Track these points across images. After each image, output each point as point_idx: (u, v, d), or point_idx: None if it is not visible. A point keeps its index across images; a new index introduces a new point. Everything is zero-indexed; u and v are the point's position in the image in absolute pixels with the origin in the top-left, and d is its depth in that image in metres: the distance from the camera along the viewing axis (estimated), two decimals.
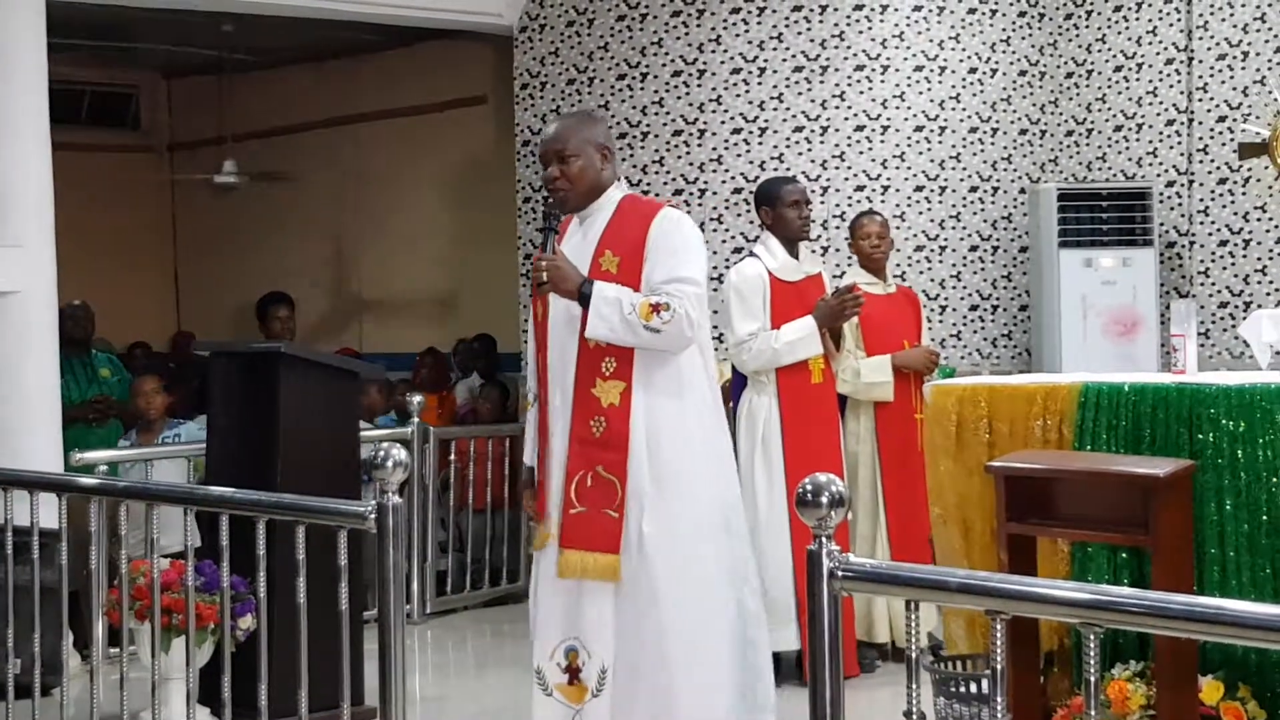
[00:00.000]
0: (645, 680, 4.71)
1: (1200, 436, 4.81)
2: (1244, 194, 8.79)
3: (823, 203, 8.93)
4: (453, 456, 8.82)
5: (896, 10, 9.06)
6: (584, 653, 4.72)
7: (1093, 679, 2.76)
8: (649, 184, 9.05)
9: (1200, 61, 8.95)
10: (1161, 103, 9.09)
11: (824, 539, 3.10)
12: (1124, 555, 4.94)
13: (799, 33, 9.05)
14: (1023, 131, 9.34)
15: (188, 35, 12.49)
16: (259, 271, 13.00)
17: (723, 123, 9.11)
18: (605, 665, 4.71)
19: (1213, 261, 8.93)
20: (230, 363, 6.30)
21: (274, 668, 4.59)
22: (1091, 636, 2.75)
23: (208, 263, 14.62)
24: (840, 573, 3.07)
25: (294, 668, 4.31)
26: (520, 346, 8.54)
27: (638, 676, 4.72)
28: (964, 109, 9.18)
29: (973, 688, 5.01)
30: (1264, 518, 4.69)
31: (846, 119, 9.05)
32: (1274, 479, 4.66)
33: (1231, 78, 8.84)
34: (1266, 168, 8.55)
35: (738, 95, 9.09)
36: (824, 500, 3.09)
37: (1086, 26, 9.39)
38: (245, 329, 11.63)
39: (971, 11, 9.19)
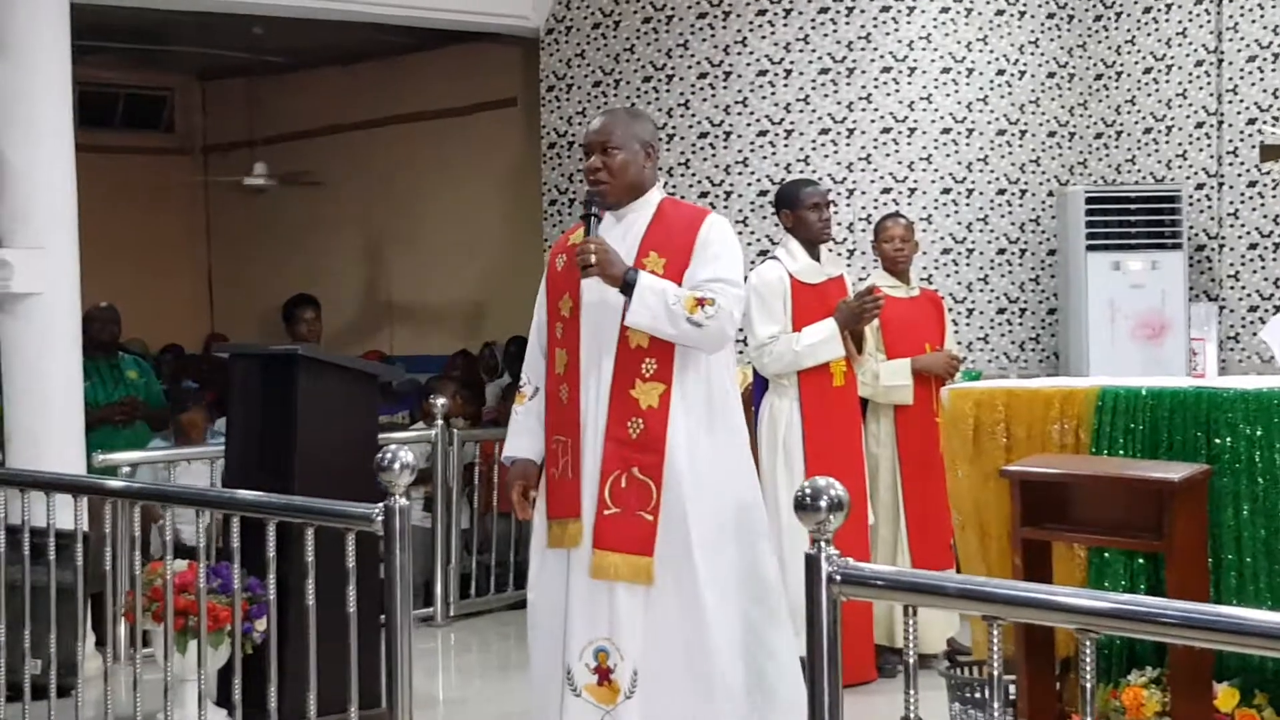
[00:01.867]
0: (681, 682, 4.70)
1: (1218, 441, 4.77)
2: (1274, 196, 8.72)
3: (849, 205, 8.91)
4: (477, 459, 8.82)
5: (923, 12, 9.03)
6: (615, 654, 4.70)
7: (1089, 685, 2.74)
8: (675, 186, 9.05)
9: (1230, 63, 8.89)
10: (1191, 105, 9.03)
11: (823, 543, 3.08)
12: (1141, 561, 4.90)
13: (825, 35, 9.03)
14: (1051, 134, 9.29)
15: (220, 38, 12.55)
16: (291, 274, 13.05)
17: (749, 125, 9.10)
18: (637, 667, 4.69)
19: (1242, 265, 8.86)
20: (249, 365, 6.32)
21: (288, 670, 4.61)
22: (1088, 642, 2.73)
23: (241, 265, 14.69)
24: (839, 577, 3.05)
25: (305, 670, 4.31)
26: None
27: (674, 679, 4.70)
28: (992, 111, 9.14)
29: (989, 693, 4.97)
30: None
31: (873, 121, 9.03)
32: None
33: (1262, 80, 8.77)
34: None
35: (764, 97, 9.08)
36: (822, 504, 3.07)
37: (1115, 28, 9.33)
38: (277, 331, 11.67)
39: (999, 13, 9.15)
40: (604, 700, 4.74)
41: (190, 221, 15.19)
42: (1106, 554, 4.97)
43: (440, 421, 8.39)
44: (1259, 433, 4.67)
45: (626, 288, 4.65)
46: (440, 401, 8.46)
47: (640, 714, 4.72)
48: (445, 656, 7.97)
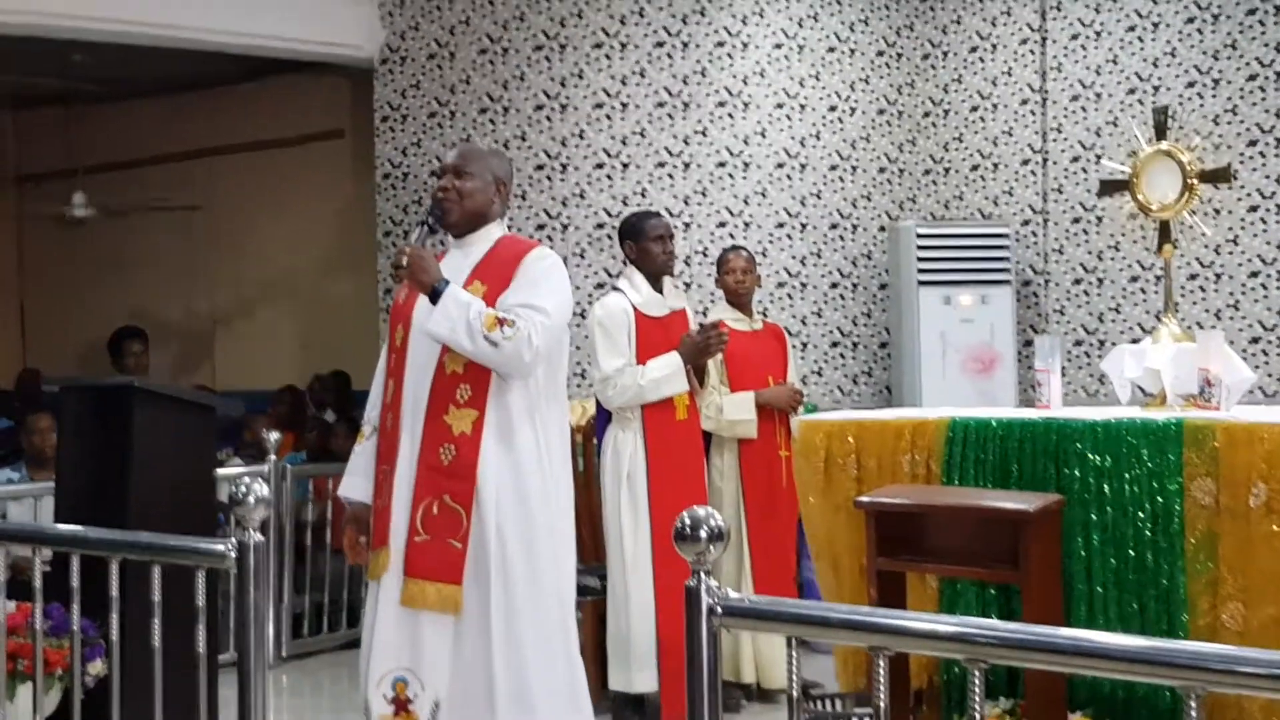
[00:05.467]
0: (473, 715, 4.61)
1: (1067, 471, 4.83)
2: (1098, 233, 8.93)
3: (685, 239, 8.93)
4: (310, 494, 8.64)
5: (758, 48, 9.10)
6: (415, 684, 4.61)
7: (978, 714, 2.72)
8: (511, 219, 8.97)
9: (1055, 102, 9.09)
10: (1017, 143, 9.21)
11: (703, 574, 3.04)
12: (992, 591, 4.95)
13: (661, 69, 9.05)
14: (881, 170, 9.41)
15: (35, 65, 12.19)
16: (111, 306, 12.72)
17: (585, 158, 9.08)
18: (439, 698, 4.60)
19: (1068, 300, 9.05)
20: (82, 398, 6.09)
21: (127, 714, 4.43)
22: (976, 672, 2.71)
23: (57, 298, 14.27)
24: (720, 609, 3.01)
25: (148, 713, 4.15)
26: None
27: (467, 711, 4.61)
28: (824, 147, 9.23)
29: None
30: (1130, 553, 4.71)
31: (709, 155, 9.07)
32: (1140, 514, 4.69)
33: (1085, 119, 8.98)
34: (1121, 207, 8.68)
35: (600, 130, 9.06)
36: (703, 534, 3.03)
37: (943, 67, 9.50)
38: (95, 365, 11.36)
39: (831, 50, 9.25)
40: None
41: (2, 253, 14.73)
42: (958, 584, 5.01)
43: (273, 457, 8.21)
44: (1108, 463, 4.75)
45: (434, 295, 4.61)
46: (273, 436, 8.27)
47: None
48: (278, 698, 7.76)
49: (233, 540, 3.87)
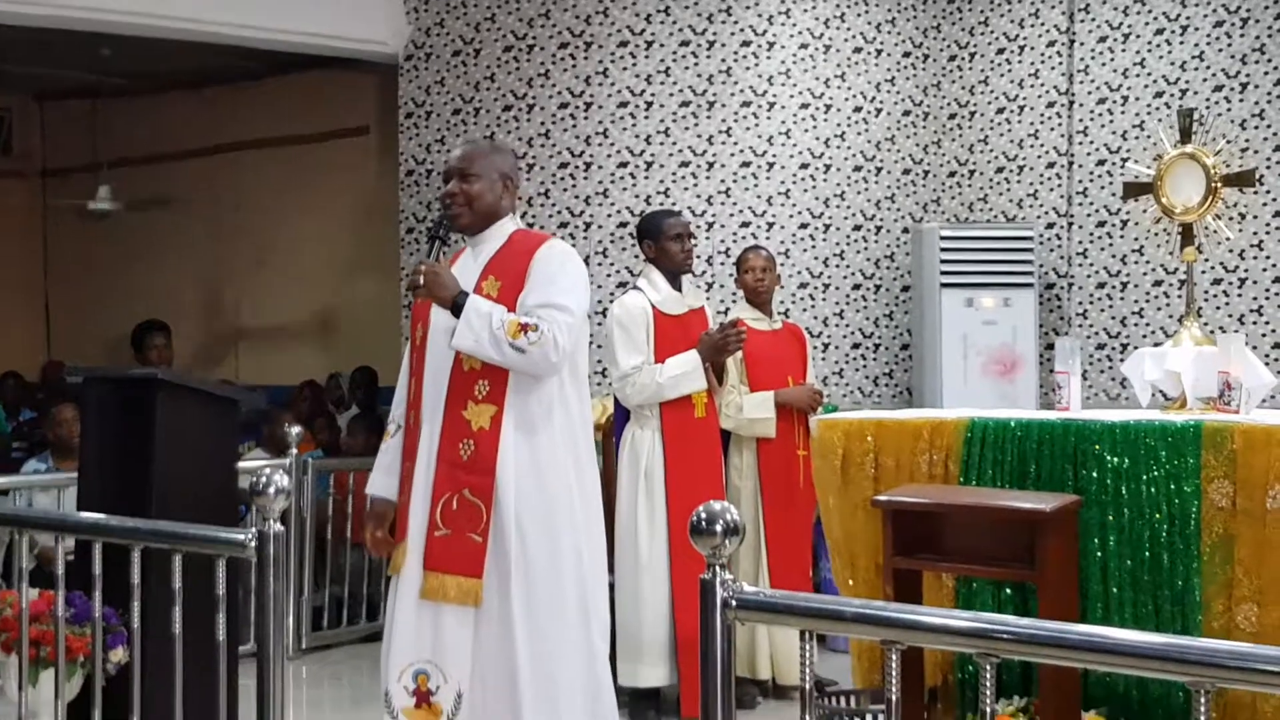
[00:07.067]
0: (496, 706, 4.63)
1: (1084, 472, 4.84)
2: (1122, 237, 8.92)
3: (708, 238, 8.95)
4: (330, 489, 8.68)
5: (783, 48, 9.11)
6: (438, 676, 4.64)
7: (989, 709, 2.74)
8: (534, 216, 9.01)
9: (1081, 105, 9.09)
10: (1043, 145, 9.21)
11: (718, 568, 3.05)
12: (1008, 590, 4.96)
13: (686, 68, 9.07)
14: (906, 171, 9.41)
15: (62, 58, 12.26)
16: (134, 300, 12.77)
17: (609, 156, 9.10)
18: (462, 689, 4.62)
19: (1091, 303, 9.04)
20: (104, 389, 6.12)
21: (147, 702, 4.46)
22: (987, 666, 2.73)
23: (80, 290, 14.35)
24: (734, 602, 3.02)
25: (168, 701, 4.18)
26: None
27: (490, 702, 4.63)
28: (848, 147, 9.24)
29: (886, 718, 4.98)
30: (1146, 554, 4.72)
31: (732, 155, 9.08)
32: (1157, 515, 4.69)
33: (1111, 121, 8.97)
34: (1145, 211, 8.67)
35: (624, 129, 9.09)
36: (718, 528, 3.04)
37: (970, 68, 9.49)
38: (118, 358, 11.42)
39: (857, 50, 9.26)
40: None
41: (27, 246, 14.80)
42: (975, 583, 5.02)
43: (294, 450, 8.24)
44: (1125, 464, 4.75)
45: (456, 310, 4.63)
46: (294, 431, 8.30)
47: None
48: (297, 689, 7.80)
49: (253, 530, 3.90)
